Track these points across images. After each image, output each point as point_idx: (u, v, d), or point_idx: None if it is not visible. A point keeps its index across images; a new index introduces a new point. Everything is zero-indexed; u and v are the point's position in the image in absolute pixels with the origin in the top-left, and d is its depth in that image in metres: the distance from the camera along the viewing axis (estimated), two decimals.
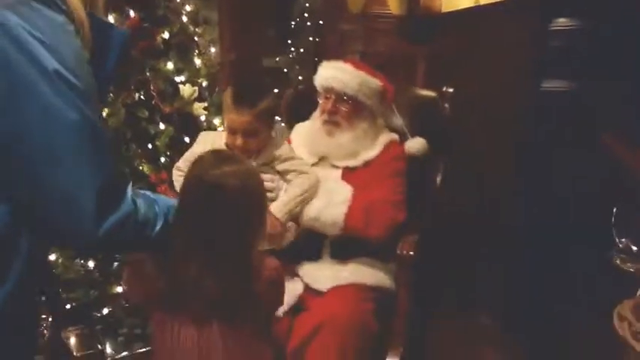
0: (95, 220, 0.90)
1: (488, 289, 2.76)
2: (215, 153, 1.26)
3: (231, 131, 1.75)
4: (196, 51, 2.28)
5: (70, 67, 0.89)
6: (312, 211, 1.80)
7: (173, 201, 1.16)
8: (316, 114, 2.05)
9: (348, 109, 1.94)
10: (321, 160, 1.99)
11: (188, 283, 1.15)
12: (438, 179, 2.05)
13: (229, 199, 1.16)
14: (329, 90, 1.95)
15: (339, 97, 1.94)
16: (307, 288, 1.80)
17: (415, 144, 2.03)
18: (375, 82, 1.96)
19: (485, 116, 2.66)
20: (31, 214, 0.90)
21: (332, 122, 1.95)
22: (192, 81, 2.20)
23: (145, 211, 1.01)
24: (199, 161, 1.22)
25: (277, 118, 2.18)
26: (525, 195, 2.70)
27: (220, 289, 1.16)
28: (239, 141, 1.73)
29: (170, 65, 2.15)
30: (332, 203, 1.81)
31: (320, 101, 2.02)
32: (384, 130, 2.05)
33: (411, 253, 1.76)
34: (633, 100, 2.24)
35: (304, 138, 2.06)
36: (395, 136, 2.04)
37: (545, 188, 2.67)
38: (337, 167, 1.96)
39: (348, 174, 1.94)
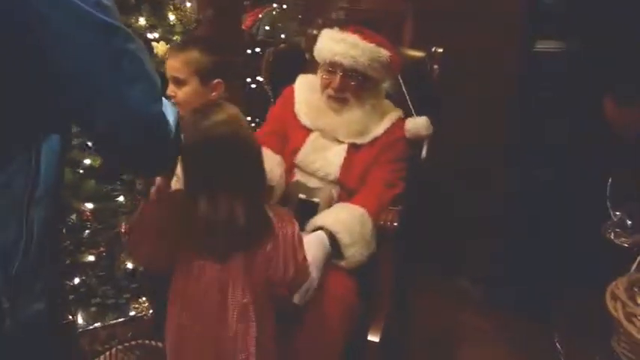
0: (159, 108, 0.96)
1: (474, 256, 2.74)
2: (203, 105, 1.36)
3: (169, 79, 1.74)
4: (171, 5, 2.13)
5: None
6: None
7: None
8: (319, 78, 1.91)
9: (356, 84, 1.83)
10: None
11: (220, 218, 1.25)
12: (424, 152, 1.95)
13: (223, 146, 1.27)
14: (336, 65, 1.82)
15: (346, 72, 1.82)
16: None
17: (418, 127, 1.89)
18: (385, 54, 1.83)
19: (477, 78, 2.56)
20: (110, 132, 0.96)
21: (339, 99, 1.85)
22: (166, 38, 2.06)
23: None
24: (192, 114, 1.31)
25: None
26: (518, 161, 2.64)
27: (247, 217, 1.26)
28: (169, 89, 1.70)
29: (142, 21, 2.01)
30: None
31: (321, 75, 1.89)
32: (389, 105, 1.96)
33: (395, 224, 1.69)
34: (627, 59, 2.17)
35: (306, 101, 1.94)
36: (401, 114, 1.94)
37: (539, 153, 2.60)
38: (341, 142, 1.86)
39: (353, 151, 1.85)
